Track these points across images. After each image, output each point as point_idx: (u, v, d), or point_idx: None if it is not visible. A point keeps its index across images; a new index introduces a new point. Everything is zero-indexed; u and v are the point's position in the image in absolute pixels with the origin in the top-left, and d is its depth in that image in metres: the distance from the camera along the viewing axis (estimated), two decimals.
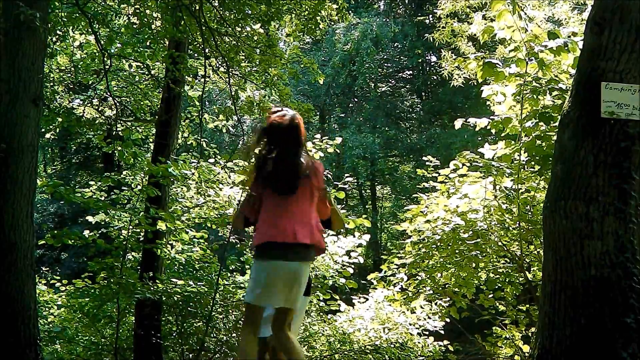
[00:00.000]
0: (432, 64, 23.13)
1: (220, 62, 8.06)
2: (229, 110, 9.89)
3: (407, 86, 25.38)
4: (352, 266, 7.80)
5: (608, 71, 3.71)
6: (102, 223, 8.89)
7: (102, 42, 7.74)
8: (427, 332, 7.70)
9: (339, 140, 7.18)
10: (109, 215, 8.76)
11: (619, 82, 3.68)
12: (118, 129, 8.80)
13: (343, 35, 20.95)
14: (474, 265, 5.99)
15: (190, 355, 7.13)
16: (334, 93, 23.31)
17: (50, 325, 8.57)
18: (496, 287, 6.14)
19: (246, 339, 3.58)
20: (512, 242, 5.84)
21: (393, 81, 25.28)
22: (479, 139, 12.52)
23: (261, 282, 3.55)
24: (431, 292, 6.46)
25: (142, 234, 7.57)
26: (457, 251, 5.90)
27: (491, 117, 5.94)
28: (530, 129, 5.35)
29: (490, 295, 6.18)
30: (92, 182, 8.81)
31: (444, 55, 9.43)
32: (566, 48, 5.14)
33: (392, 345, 7.48)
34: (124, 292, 6.35)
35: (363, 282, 8.60)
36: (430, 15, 19.64)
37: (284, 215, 3.56)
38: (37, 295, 5.74)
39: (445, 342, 7.70)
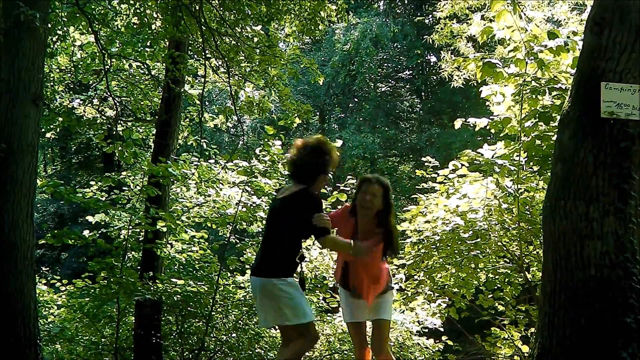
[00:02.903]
0: (431, 64, 23.12)
1: (220, 62, 8.07)
2: (229, 110, 9.89)
3: (407, 86, 25.37)
4: None
5: (608, 71, 3.71)
6: (102, 223, 8.89)
7: (102, 42, 7.75)
8: (426, 330, 7.71)
9: (339, 143, 7.20)
10: (109, 215, 8.76)
11: (618, 82, 3.68)
12: (118, 129, 8.80)
13: (343, 35, 20.94)
14: (473, 265, 5.99)
15: (190, 355, 7.13)
16: (334, 93, 23.30)
17: (50, 325, 8.57)
18: (495, 287, 6.14)
19: None
20: (511, 242, 5.85)
21: (393, 81, 25.27)
22: (479, 139, 12.52)
23: None
24: (430, 292, 6.46)
25: (142, 234, 7.56)
26: (456, 251, 5.90)
27: (491, 117, 5.94)
28: (530, 129, 5.35)
29: (490, 296, 6.18)
30: (92, 182, 8.80)
31: (444, 56, 9.44)
32: (566, 47, 5.14)
33: (392, 345, 7.49)
34: (124, 292, 6.34)
35: None
36: (430, 16, 19.64)
37: None
38: (37, 295, 5.74)
39: (445, 338, 7.70)
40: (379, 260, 4.22)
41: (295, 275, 3.94)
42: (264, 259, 3.98)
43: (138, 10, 7.64)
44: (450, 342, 7.68)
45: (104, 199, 8.23)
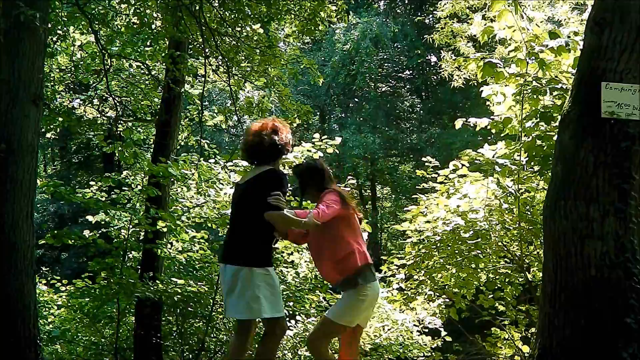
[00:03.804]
0: (432, 64, 23.12)
1: (220, 62, 8.06)
2: (228, 110, 9.89)
3: (407, 86, 25.38)
4: None
5: (608, 71, 3.71)
6: (102, 223, 8.89)
7: (102, 42, 7.75)
8: (427, 330, 7.71)
9: (338, 140, 7.17)
10: (109, 215, 8.75)
11: (619, 82, 3.67)
12: (118, 129, 8.80)
13: (343, 35, 20.94)
14: (473, 265, 5.99)
15: (191, 355, 7.13)
16: (334, 93, 23.31)
17: (51, 325, 8.57)
18: (496, 287, 6.14)
19: None
20: (512, 243, 5.84)
21: (393, 81, 25.28)
22: (479, 139, 12.52)
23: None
24: (431, 293, 6.45)
25: (142, 234, 7.56)
26: (457, 251, 5.89)
27: (491, 117, 5.93)
28: (530, 129, 5.35)
29: (490, 296, 6.18)
30: (92, 182, 8.80)
31: (444, 56, 9.44)
32: (567, 47, 5.14)
33: (392, 344, 7.49)
34: (124, 292, 6.35)
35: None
36: (430, 15, 19.65)
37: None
38: (37, 295, 5.73)
39: (444, 333, 7.70)
40: (339, 238, 4.03)
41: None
42: (237, 245, 3.82)
43: (138, 10, 7.63)
44: (449, 338, 7.69)
45: (104, 199, 8.23)
